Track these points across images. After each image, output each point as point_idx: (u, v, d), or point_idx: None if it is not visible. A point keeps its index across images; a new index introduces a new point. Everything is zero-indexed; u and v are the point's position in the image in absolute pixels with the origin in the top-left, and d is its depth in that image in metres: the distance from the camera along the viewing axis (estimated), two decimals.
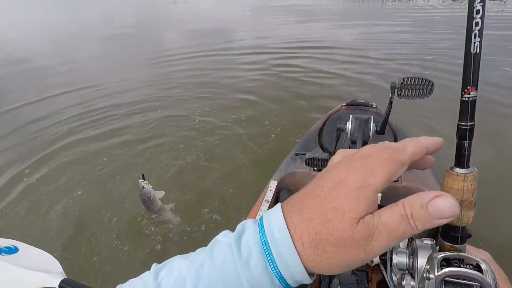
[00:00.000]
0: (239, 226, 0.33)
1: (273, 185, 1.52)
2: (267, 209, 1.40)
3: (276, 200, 1.51)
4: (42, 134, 3.45)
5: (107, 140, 3.27)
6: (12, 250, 0.93)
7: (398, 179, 1.44)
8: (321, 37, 7.21)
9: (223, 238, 0.33)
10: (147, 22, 11.47)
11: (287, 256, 0.28)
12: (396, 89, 1.08)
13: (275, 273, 0.29)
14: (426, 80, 1.05)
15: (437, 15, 9.50)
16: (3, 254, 0.91)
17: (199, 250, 0.34)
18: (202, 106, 3.89)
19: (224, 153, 2.92)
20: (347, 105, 2.11)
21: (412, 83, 1.06)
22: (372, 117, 1.19)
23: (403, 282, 0.37)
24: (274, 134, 3.16)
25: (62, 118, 3.79)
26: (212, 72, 5.17)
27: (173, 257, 0.35)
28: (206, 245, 0.34)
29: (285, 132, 3.17)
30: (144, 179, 1.87)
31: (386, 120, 1.18)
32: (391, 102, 1.13)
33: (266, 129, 3.27)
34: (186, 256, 0.34)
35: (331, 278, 1.16)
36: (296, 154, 1.70)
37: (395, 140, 1.74)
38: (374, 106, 2.04)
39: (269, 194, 1.47)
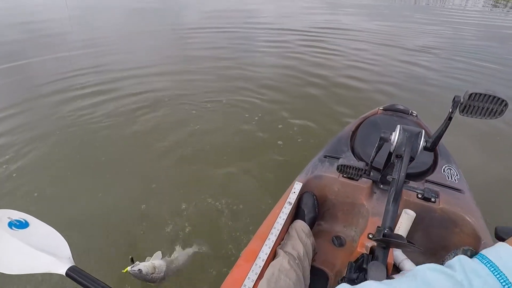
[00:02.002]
0: None
1: (297, 186, 1.42)
2: (289, 212, 1.31)
3: (298, 203, 1.42)
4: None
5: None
6: (23, 225, 0.88)
7: (435, 199, 1.32)
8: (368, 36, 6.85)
9: None
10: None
11: None
12: (460, 104, 0.95)
13: None
14: (499, 98, 0.91)
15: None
16: (13, 228, 0.86)
17: None
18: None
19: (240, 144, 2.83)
20: (384, 109, 1.96)
21: (482, 100, 0.92)
22: (423, 131, 1.06)
23: None
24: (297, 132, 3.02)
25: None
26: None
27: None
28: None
29: (308, 130, 3.03)
30: (133, 262, 1.38)
31: (439, 137, 1.04)
32: (450, 118, 0.99)
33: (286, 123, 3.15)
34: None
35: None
36: (325, 156, 1.59)
37: (436, 157, 1.59)
38: (414, 114, 1.88)
39: (292, 197, 1.37)
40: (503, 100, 0.90)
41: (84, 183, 2.32)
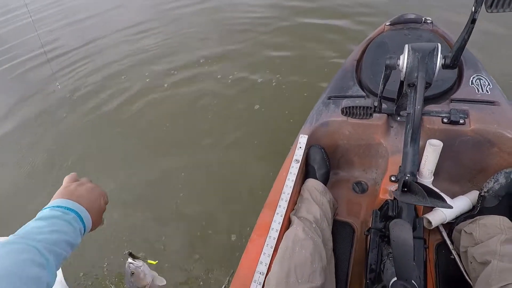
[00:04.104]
0: None
1: (302, 140, 1.26)
2: (298, 171, 1.18)
3: (306, 159, 1.27)
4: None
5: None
6: None
7: (464, 120, 1.11)
8: None
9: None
10: None
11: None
12: None
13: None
14: None
15: None
16: None
17: None
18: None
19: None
20: (392, 24, 1.65)
21: None
22: (439, 45, 0.83)
23: None
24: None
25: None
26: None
27: None
28: None
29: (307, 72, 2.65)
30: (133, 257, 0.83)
31: (462, 49, 0.81)
32: (474, 20, 0.75)
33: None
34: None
35: (380, 251, 0.98)
36: (329, 98, 1.38)
37: (460, 68, 1.33)
38: (429, 21, 1.56)
39: (299, 153, 1.22)
40: None
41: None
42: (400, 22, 1.64)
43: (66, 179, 0.63)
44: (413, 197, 0.74)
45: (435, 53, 0.81)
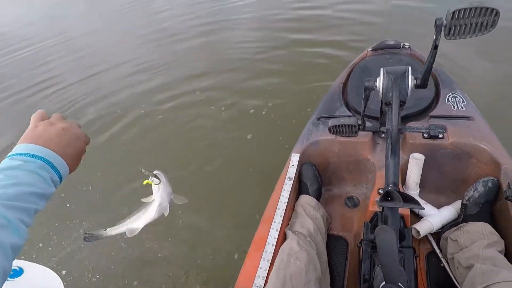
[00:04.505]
0: None
1: (295, 158, 1.34)
2: (291, 188, 1.24)
3: (299, 176, 1.34)
4: None
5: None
6: (18, 273, 0.88)
7: (443, 134, 1.20)
8: None
9: None
10: None
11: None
12: (443, 28, 0.81)
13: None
14: (487, 8, 0.76)
15: None
16: (8, 279, 0.86)
17: None
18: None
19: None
20: (373, 50, 1.78)
21: (468, 15, 0.78)
22: (409, 68, 0.93)
23: None
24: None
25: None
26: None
27: None
28: None
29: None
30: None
31: (429, 71, 0.91)
32: (436, 46, 0.86)
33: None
34: None
35: (372, 261, 1.02)
36: (319, 119, 1.48)
37: (437, 87, 1.44)
38: (407, 46, 1.70)
39: (292, 170, 1.29)
40: (493, 9, 0.76)
41: None
42: (381, 48, 1.77)
43: (33, 118, 0.54)
44: (391, 202, 0.81)
45: (406, 75, 0.92)
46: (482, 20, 0.78)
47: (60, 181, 0.51)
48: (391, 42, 1.75)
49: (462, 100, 1.34)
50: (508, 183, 1.03)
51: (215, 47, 4.09)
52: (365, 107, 1.07)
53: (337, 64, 2.97)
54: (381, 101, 1.02)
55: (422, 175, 1.22)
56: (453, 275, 1.01)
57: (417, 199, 1.24)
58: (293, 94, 2.78)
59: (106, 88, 3.68)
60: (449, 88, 1.42)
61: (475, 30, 0.79)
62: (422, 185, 1.26)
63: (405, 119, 1.38)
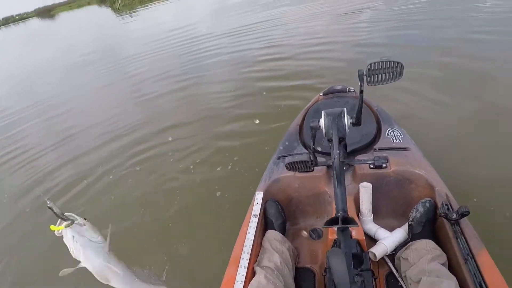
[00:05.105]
0: None
1: (259, 196, 1.43)
2: (257, 225, 1.31)
3: (264, 213, 1.42)
4: None
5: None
6: None
7: (386, 164, 1.37)
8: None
9: None
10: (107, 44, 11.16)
11: None
12: (364, 77, 1.00)
13: None
14: (393, 62, 0.96)
15: None
16: None
17: None
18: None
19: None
20: (324, 94, 2.02)
21: (380, 67, 0.97)
22: (345, 109, 1.10)
23: None
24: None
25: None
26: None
27: None
28: None
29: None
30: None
31: (359, 111, 1.09)
32: (361, 91, 1.04)
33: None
34: None
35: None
36: (279, 158, 1.61)
37: (379, 124, 1.66)
38: (352, 90, 1.95)
39: (256, 208, 1.38)
40: (397, 62, 0.96)
41: None
42: (330, 92, 2.02)
43: None
44: (333, 224, 0.94)
45: (342, 115, 1.08)
46: (392, 71, 0.98)
47: None
48: (339, 87, 2.00)
49: (400, 133, 1.55)
50: (442, 202, 1.18)
51: (190, 101, 4.33)
52: (313, 144, 1.22)
53: (301, 105, 3.26)
54: (326, 139, 1.17)
55: (373, 202, 1.36)
56: None
57: (371, 225, 1.37)
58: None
59: (79, 146, 3.77)
60: (388, 124, 1.63)
61: (388, 78, 0.99)
62: (376, 211, 1.39)
63: (354, 152, 1.55)
